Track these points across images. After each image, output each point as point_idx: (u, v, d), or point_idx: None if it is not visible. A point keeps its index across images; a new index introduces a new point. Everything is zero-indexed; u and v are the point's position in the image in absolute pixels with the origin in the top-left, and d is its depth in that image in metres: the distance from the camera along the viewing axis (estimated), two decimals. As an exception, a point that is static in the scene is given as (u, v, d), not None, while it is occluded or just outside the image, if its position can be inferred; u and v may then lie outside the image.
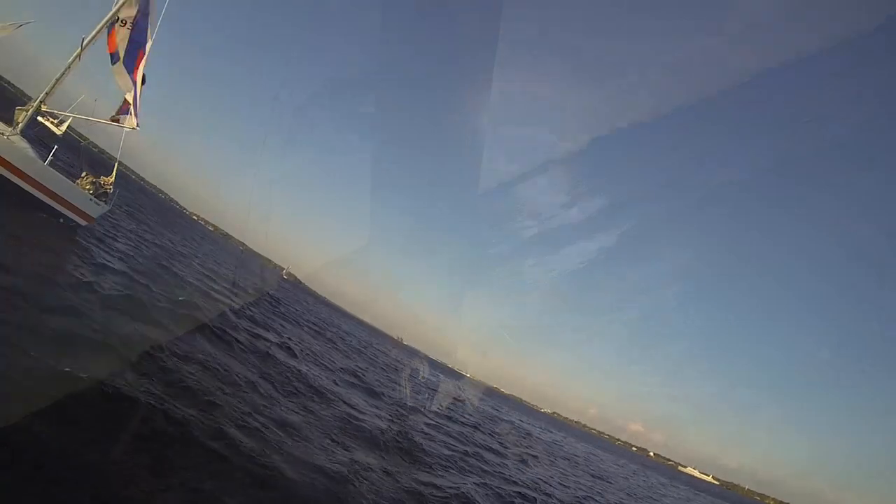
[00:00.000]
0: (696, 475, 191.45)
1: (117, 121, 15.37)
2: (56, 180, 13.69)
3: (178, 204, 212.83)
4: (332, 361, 19.41)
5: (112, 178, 15.86)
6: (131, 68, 14.86)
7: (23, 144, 13.45)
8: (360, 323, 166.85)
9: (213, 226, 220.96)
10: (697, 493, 60.97)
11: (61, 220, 14.09)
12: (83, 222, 14.58)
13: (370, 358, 30.56)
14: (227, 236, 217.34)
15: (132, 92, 14.79)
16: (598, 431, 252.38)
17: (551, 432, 56.42)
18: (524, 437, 29.60)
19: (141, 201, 55.00)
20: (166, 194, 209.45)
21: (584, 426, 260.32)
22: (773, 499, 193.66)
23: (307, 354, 17.09)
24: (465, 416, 24.73)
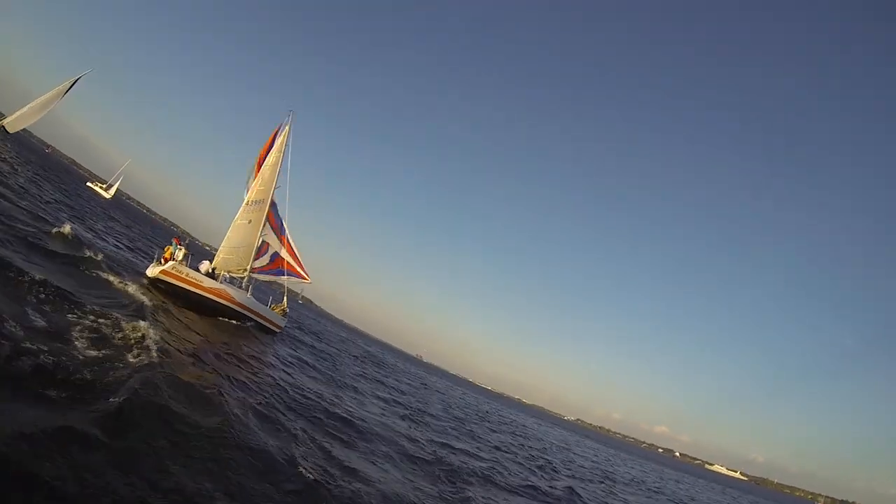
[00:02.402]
0: (723, 472, 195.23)
1: (292, 272, 23.34)
2: (266, 311, 21.81)
3: (190, 235, 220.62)
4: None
5: (285, 304, 24.12)
6: (280, 233, 22.84)
7: (248, 295, 21.04)
8: (388, 347, 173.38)
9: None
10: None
11: (268, 334, 22.06)
12: (277, 330, 22.84)
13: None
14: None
15: (282, 245, 22.69)
16: (623, 435, 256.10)
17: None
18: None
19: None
20: (177, 226, 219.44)
21: (609, 431, 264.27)
22: (804, 490, 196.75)
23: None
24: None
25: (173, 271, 16.26)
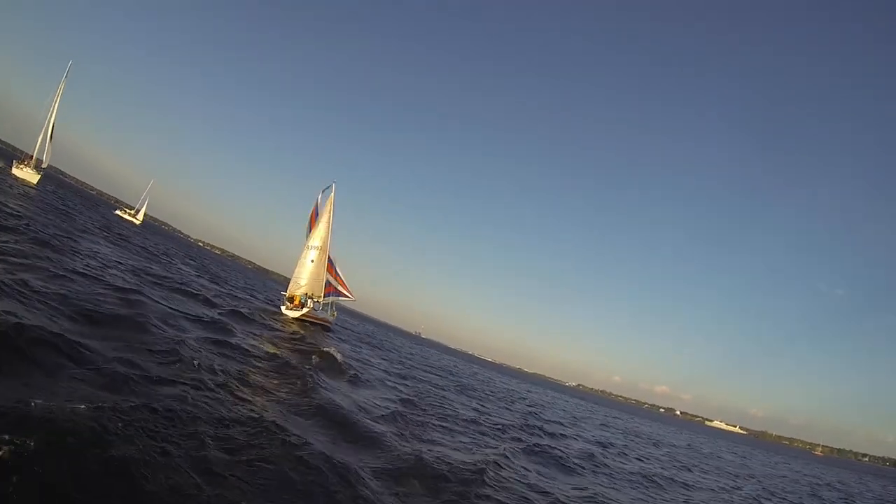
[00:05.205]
0: (723, 427, 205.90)
1: (340, 294, 31.77)
2: (324, 315, 30.67)
3: (181, 233, 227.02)
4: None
5: (335, 312, 33.34)
6: (333, 268, 31.18)
7: (327, 314, 31.03)
8: (387, 326, 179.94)
9: (219, 249, 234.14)
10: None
11: (325, 329, 30.01)
12: (330, 326, 31.84)
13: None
14: (235, 258, 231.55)
15: (334, 279, 31.15)
16: (625, 398, 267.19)
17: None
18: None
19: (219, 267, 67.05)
20: (169, 225, 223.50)
21: (610, 394, 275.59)
22: (802, 441, 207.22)
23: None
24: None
25: (308, 314, 28.04)
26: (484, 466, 8.39)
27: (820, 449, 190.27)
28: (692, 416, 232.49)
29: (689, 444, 35.22)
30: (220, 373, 8.38)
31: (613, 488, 10.87)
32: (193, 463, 4.81)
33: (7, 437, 3.74)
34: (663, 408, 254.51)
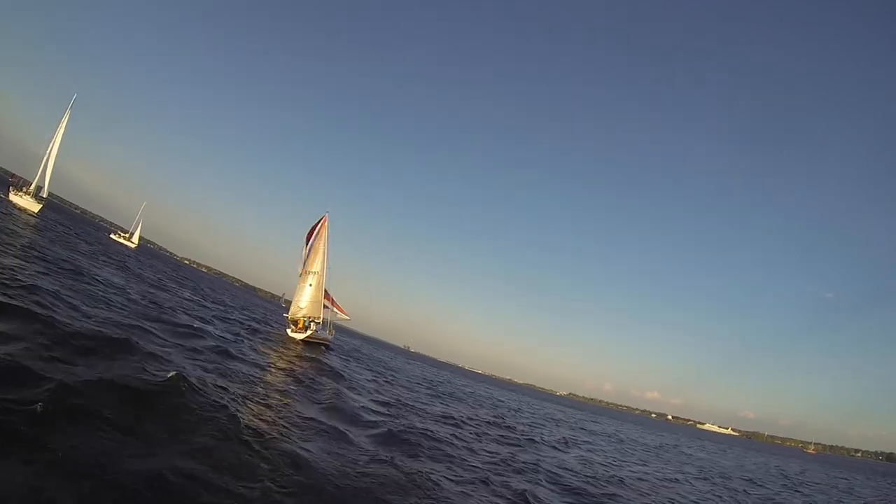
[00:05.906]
0: (715, 430, 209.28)
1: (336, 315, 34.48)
2: (324, 335, 33.05)
3: (167, 251, 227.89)
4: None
5: (332, 331, 35.27)
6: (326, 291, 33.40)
7: (326, 333, 33.32)
8: (376, 341, 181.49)
9: (206, 268, 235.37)
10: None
11: (326, 348, 32.39)
12: (330, 344, 34.13)
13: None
14: (222, 275, 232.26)
15: (330, 302, 33.48)
16: (616, 404, 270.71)
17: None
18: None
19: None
20: (155, 244, 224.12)
21: (601, 402, 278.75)
22: (795, 440, 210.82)
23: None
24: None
25: (312, 335, 31.02)
26: (442, 436, 11.38)
27: (812, 447, 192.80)
28: (684, 419, 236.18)
29: (659, 445, 37.76)
30: (247, 381, 11.29)
31: (557, 465, 13.55)
32: (247, 425, 7.61)
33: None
34: (655, 413, 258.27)
